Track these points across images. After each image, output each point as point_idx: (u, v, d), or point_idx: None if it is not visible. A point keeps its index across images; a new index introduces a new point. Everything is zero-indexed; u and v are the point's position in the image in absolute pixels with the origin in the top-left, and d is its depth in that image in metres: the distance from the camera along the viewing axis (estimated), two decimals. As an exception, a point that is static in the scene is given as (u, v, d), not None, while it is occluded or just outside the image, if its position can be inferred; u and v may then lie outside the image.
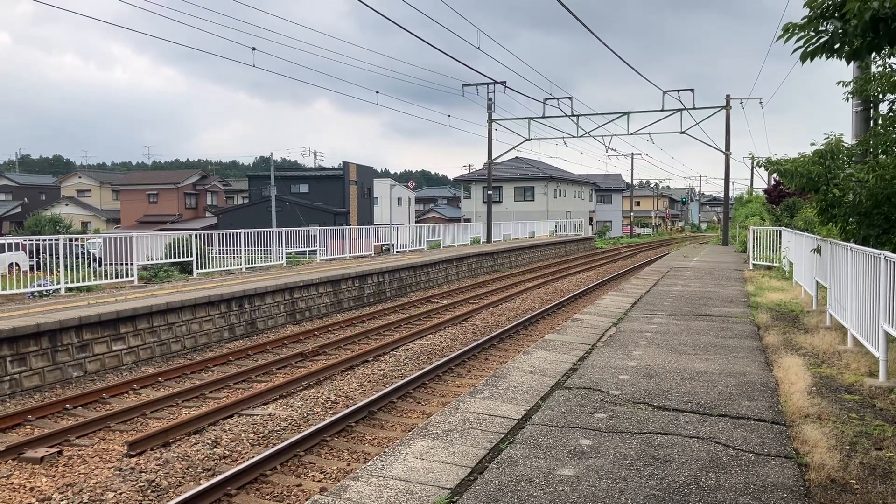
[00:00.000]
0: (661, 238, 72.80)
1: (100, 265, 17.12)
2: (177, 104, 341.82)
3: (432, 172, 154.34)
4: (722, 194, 38.35)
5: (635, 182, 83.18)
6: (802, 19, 5.85)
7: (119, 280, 16.10)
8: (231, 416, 8.66)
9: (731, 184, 36.67)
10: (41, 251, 17.09)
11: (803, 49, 5.80)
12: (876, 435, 5.26)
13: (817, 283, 11.67)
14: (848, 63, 6.23)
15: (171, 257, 18.67)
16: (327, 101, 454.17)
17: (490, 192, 37.81)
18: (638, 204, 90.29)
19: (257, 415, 8.67)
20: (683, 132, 33.58)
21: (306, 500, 6.25)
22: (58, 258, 14.62)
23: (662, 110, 32.96)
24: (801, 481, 4.32)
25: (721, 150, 34.96)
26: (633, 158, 69.13)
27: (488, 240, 36.51)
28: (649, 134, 35.84)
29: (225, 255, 20.94)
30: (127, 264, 16.57)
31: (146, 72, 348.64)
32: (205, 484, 6.28)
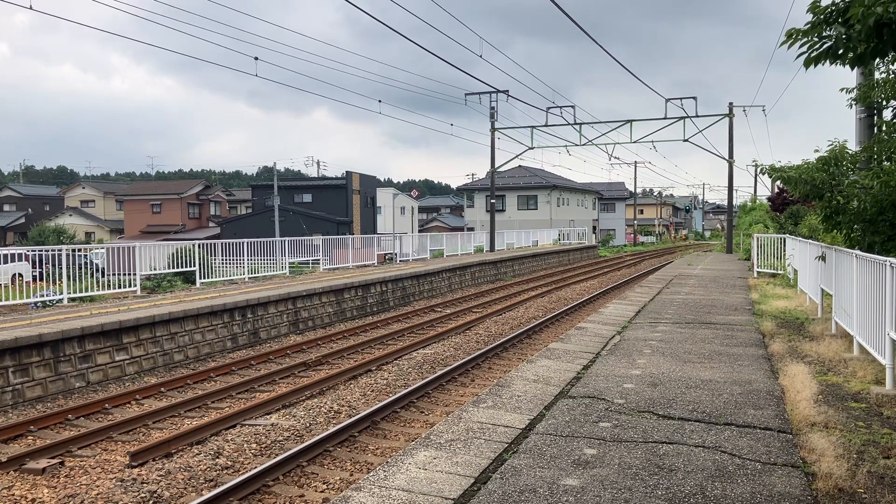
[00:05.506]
0: (664, 246, 72.69)
1: (103, 275, 17.12)
2: (177, 113, 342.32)
3: (435, 181, 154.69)
4: (725, 202, 38.27)
5: (639, 190, 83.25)
6: (806, 25, 5.83)
7: (122, 290, 16.10)
8: (233, 427, 8.62)
9: (734, 191, 36.65)
10: (44, 262, 17.11)
11: (807, 55, 5.77)
12: (884, 443, 5.21)
13: (822, 290, 11.62)
14: (852, 69, 6.20)
15: (174, 267, 18.67)
16: (327, 110, 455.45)
17: (493, 201, 37.80)
18: (641, 212, 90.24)
19: (260, 425, 8.63)
20: (686, 140, 33.54)
21: (309, 510, 6.21)
22: (61, 268, 14.63)
23: (665, 118, 32.94)
24: (808, 491, 4.27)
25: (724, 158, 34.95)
26: (636, 167, 69.17)
27: (491, 249, 36.47)
28: (652, 142, 35.75)
29: (228, 265, 20.94)
30: (130, 274, 16.57)
31: (146, 81, 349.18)
32: (207, 495, 6.24)
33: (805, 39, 5.79)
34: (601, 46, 19.42)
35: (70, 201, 73.87)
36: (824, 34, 5.70)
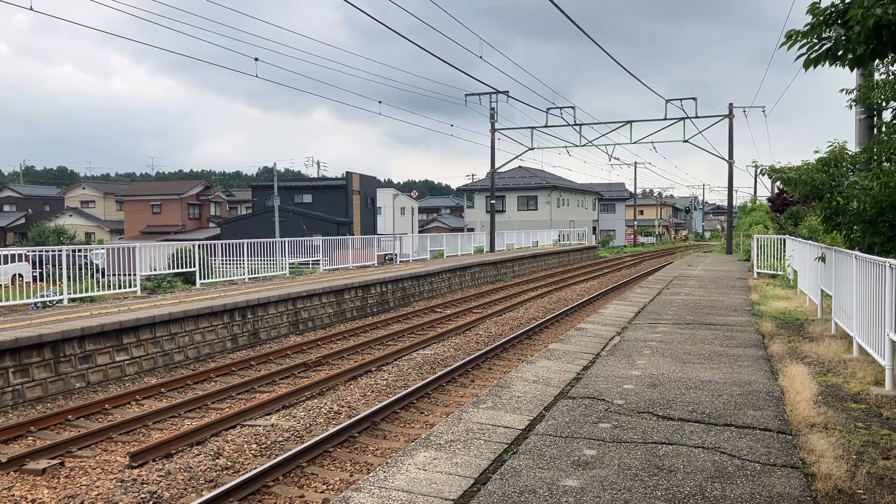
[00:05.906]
0: (664, 247, 72.68)
1: (103, 276, 17.13)
2: (177, 113, 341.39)
3: (435, 182, 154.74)
4: (725, 203, 38.30)
5: (638, 191, 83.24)
6: (805, 26, 5.83)
7: (122, 290, 16.10)
8: (234, 427, 8.63)
9: (734, 192, 36.64)
10: (44, 262, 17.15)
11: (806, 56, 5.78)
12: (883, 444, 5.21)
13: (822, 291, 11.62)
14: (851, 70, 6.21)
15: (174, 268, 18.68)
16: (327, 110, 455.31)
17: (493, 202, 37.81)
18: (641, 213, 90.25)
19: (260, 425, 8.64)
20: (686, 141, 33.54)
21: (309, 511, 6.21)
22: (61, 269, 14.63)
23: (665, 119, 32.93)
24: (807, 491, 4.27)
25: (724, 159, 34.95)
26: (636, 167, 69.21)
27: (492, 249, 36.48)
28: (652, 143, 35.74)
29: (228, 266, 20.95)
30: (130, 275, 16.58)
31: (145, 82, 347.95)
32: (207, 495, 6.24)
33: (805, 41, 5.79)
34: (600, 46, 19.43)
35: (70, 202, 73.90)
36: (824, 35, 5.71)
